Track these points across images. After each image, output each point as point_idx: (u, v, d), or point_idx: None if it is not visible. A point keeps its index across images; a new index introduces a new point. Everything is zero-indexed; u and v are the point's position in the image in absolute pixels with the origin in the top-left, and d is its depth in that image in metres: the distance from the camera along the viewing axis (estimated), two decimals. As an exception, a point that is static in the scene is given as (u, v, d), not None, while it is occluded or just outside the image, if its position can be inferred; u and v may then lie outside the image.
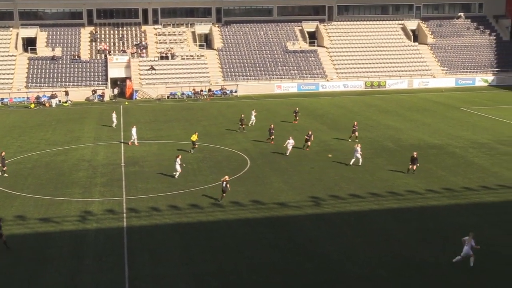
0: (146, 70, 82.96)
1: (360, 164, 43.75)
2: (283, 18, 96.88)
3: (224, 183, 35.82)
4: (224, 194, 36.03)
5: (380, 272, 26.65)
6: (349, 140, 51.28)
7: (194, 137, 48.73)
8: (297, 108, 62.41)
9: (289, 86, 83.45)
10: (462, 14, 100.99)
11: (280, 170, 42.88)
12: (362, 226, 32.19)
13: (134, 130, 51.25)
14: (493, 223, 32.47)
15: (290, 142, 47.09)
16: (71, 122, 62.58)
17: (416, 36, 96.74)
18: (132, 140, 51.03)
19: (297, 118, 60.78)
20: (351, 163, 43.93)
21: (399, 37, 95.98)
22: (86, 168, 44.25)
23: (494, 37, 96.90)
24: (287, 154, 46.70)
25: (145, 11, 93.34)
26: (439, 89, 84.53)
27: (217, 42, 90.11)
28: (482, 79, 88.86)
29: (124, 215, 34.07)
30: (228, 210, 34.69)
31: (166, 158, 46.49)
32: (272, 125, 52.41)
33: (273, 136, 51.27)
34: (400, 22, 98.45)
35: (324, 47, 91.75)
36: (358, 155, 43.83)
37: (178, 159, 41.14)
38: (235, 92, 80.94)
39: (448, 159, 45.37)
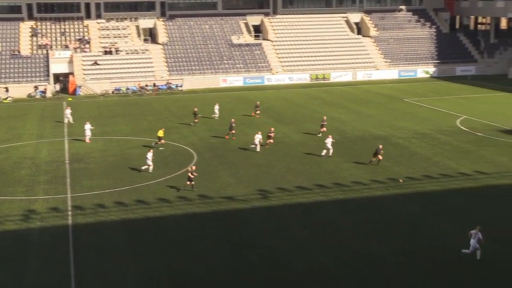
0: (90, 65, 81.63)
1: (330, 155, 44.39)
2: (228, 12, 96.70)
3: (190, 173, 36.45)
4: (192, 182, 36.57)
5: (328, 264, 26.98)
6: (319, 135, 51.29)
7: (160, 133, 48.10)
8: (258, 102, 62.41)
9: (235, 80, 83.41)
10: (403, 7, 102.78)
11: (228, 164, 42.88)
12: (309, 218, 32.50)
13: (87, 126, 50.30)
14: (436, 212, 33.26)
15: (258, 137, 46.73)
16: (12, 119, 61.08)
17: (359, 29, 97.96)
18: (86, 137, 50.05)
19: (258, 112, 60.73)
20: (322, 154, 44.47)
21: (343, 30, 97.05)
22: (29, 166, 43.30)
23: (435, 30, 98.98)
24: (258, 150, 46.32)
25: (87, 5, 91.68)
26: (382, 81, 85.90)
27: (162, 37, 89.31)
28: (424, 70, 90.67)
29: (69, 213, 33.52)
30: (175, 205, 34.52)
31: (111, 154, 45.91)
32: (233, 120, 51.82)
33: (234, 131, 50.63)
34: (343, 15, 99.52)
35: (269, 40, 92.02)
36: (329, 146, 44.45)
37: (149, 154, 40.95)
38: (181, 86, 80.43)
39: (392, 150, 46.19)
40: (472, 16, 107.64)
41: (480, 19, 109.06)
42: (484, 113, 60.36)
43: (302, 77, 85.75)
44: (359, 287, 24.94)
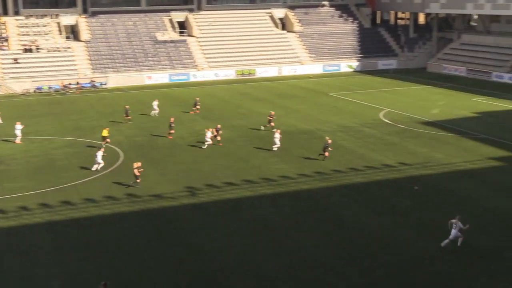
0: (9, 63, 79.10)
1: (276, 149, 44.86)
2: (151, 8, 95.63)
3: (136, 170, 36.49)
4: (138, 180, 36.59)
5: (257, 258, 27.17)
6: (262, 128, 51.74)
7: (105, 132, 46.92)
8: (198, 99, 61.92)
9: (160, 77, 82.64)
10: (326, 2, 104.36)
11: (155, 162, 42.50)
12: (237, 214, 32.63)
13: (18, 127, 48.63)
14: (362, 203, 34.02)
15: (209, 134, 46.51)
16: None
17: (283, 24, 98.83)
18: (17, 137, 48.41)
19: (198, 107, 60.18)
20: (274, 149, 44.92)
21: (268, 26, 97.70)
22: None
23: (357, 25, 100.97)
24: (204, 147, 46.11)
25: (4, 1, 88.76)
26: (307, 76, 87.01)
27: (85, 34, 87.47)
28: (347, 65, 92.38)
29: (-9, 216, 32.45)
30: (102, 205, 33.96)
31: (34, 155, 44.70)
32: (172, 119, 50.87)
33: (173, 131, 49.79)
34: (268, 11, 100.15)
35: (194, 36, 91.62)
36: (277, 141, 44.76)
37: (100, 152, 40.45)
38: (105, 84, 79.04)
39: (318, 144, 46.81)
40: (392, 12, 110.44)
41: (399, 14, 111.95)
42: (406, 106, 62.08)
43: (228, 73, 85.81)
44: (289, 280, 25.24)
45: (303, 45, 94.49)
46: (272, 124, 51.47)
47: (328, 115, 58.13)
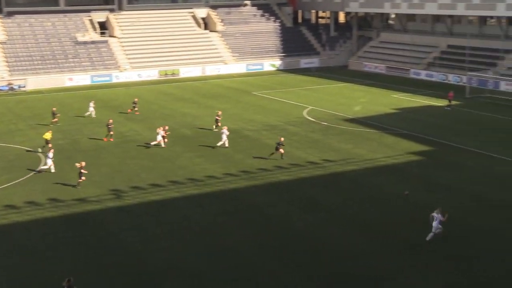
0: None
1: (226, 145, 45.03)
2: (70, 8, 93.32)
3: (80, 169, 36.15)
4: (81, 179, 36.34)
5: (185, 259, 27.02)
6: (215, 129, 51.16)
7: (47, 135, 45.30)
8: (136, 99, 60.95)
9: (81, 79, 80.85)
10: (248, 2, 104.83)
11: (78, 165, 41.55)
12: (164, 215, 32.36)
13: None
14: (288, 200, 34.36)
15: (161, 133, 46.25)
16: None
17: (206, 24, 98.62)
18: None
19: (136, 108, 59.36)
20: (218, 145, 45.19)
21: (190, 26, 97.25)
22: None
23: (279, 24, 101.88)
24: (163, 145, 46.12)
25: None
26: (231, 75, 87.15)
27: (0, 35, 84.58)
28: (271, 64, 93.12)
29: None
30: (24, 211, 32.95)
31: (-51, 162, 42.92)
32: (110, 120, 49.50)
33: (112, 132, 48.69)
34: (190, 10, 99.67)
35: (115, 37, 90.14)
36: (225, 137, 45.07)
37: (50, 153, 39.77)
38: (24, 87, 76.69)
39: (243, 143, 47.05)
40: (313, 11, 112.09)
41: (320, 13, 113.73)
42: (328, 103, 63.14)
43: (151, 74, 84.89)
44: (215, 280, 25.22)
45: (226, 45, 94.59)
46: (219, 124, 51.43)
47: (252, 114, 58.42)
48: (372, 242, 28.55)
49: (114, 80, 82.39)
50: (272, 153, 42.41)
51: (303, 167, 40.76)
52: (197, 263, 26.63)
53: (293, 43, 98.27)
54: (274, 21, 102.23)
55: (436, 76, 78.85)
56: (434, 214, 28.48)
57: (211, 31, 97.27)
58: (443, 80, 77.64)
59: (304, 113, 58.46)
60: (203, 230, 30.34)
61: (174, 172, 39.80)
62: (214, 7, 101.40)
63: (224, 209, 33.18)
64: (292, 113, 58.23)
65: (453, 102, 60.74)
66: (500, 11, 73.41)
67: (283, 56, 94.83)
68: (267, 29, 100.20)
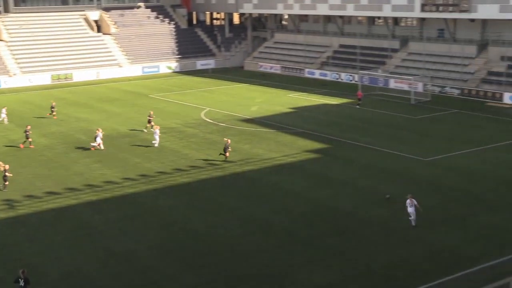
0: None
1: (156, 145, 45.58)
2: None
3: (5, 172, 35.26)
4: (6, 183, 35.46)
5: (86, 268, 26.44)
6: (145, 130, 51.10)
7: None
8: (54, 103, 59.01)
9: (-32, 85, 77.29)
10: (142, 4, 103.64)
11: (-34, 176, 39.71)
12: (61, 223, 31.50)
13: None
14: (189, 203, 34.34)
15: (100, 135, 45.68)
16: None
17: (99, 27, 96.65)
18: None
19: (54, 113, 57.71)
20: (155, 145, 45.71)
21: (83, 28, 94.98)
22: None
23: (174, 26, 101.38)
24: (102, 148, 45.46)
25: None
26: (127, 78, 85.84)
27: None
28: (167, 66, 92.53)
29: None
30: None
31: None
32: (28, 127, 47.54)
33: (30, 139, 46.77)
34: (82, 13, 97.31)
35: (3, 41, 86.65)
36: (157, 137, 45.49)
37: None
38: None
39: (141, 146, 46.51)
40: (208, 12, 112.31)
41: (215, 15, 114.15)
42: (226, 104, 63.52)
43: (43, 78, 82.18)
44: (118, 286, 24.85)
45: (120, 48, 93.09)
46: (152, 123, 51.07)
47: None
48: (272, 240, 29.03)
49: (3, 86, 79.12)
50: (221, 154, 42.57)
51: (202, 168, 40.83)
52: (98, 270, 26.11)
53: (188, 44, 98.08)
54: (169, 23, 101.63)
55: (330, 75, 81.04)
56: (408, 201, 30.00)
57: (104, 33, 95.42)
58: (336, 79, 79.93)
59: (202, 114, 58.54)
60: (103, 237, 29.78)
61: (71, 179, 38.80)
62: (106, 9, 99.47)
63: (124, 214, 32.71)
64: (190, 115, 58.15)
65: (347, 100, 62.63)
66: (387, 11, 76.46)
67: (179, 58, 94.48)
68: (162, 31, 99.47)
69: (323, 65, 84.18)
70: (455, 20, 72.79)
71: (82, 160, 43.16)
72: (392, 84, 71.87)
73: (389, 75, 72.54)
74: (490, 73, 66.55)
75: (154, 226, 31.02)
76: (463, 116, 56.23)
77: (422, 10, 71.60)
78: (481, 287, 19.51)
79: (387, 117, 56.12)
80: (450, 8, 68.64)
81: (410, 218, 30.11)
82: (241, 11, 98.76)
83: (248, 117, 57.00)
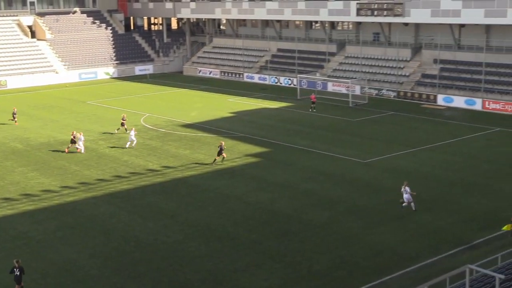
0: None
1: (134, 146, 46.37)
2: None
3: None
4: None
5: (26, 279, 25.82)
6: (116, 131, 52.04)
7: None
8: (15, 109, 58.01)
9: None
10: (77, 9, 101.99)
11: None
12: (-2, 234, 30.71)
13: None
14: (129, 210, 33.98)
15: (82, 138, 45.82)
16: None
17: (33, 32, 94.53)
18: None
19: (15, 119, 57.11)
20: (127, 146, 46.26)
21: (16, 34, 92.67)
22: None
23: (111, 31, 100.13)
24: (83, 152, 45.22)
25: None
26: (63, 85, 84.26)
27: None
28: (105, 72, 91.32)
29: None
30: None
31: None
32: None
33: None
34: (15, 18, 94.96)
35: None
36: (133, 138, 46.13)
37: None
38: None
39: (80, 154, 45.67)
40: (145, 17, 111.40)
41: (153, 20, 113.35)
42: (165, 110, 63.15)
43: (-25, 86, 79.94)
44: (59, 297, 24.43)
45: (56, 53, 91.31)
46: (125, 126, 51.56)
47: (87, 123, 56.96)
48: (214, 245, 29.03)
49: None
50: (215, 160, 42.41)
51: (143, 175, 40.48)
52: (37, 282, 25.55)
53: (126, 50, 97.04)
54: (106, 28, 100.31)
55: (269, 79, 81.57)
56: (403, 189, 32.36)
57: (39, 39, 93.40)
58: (275, 83, 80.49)
59: (141, 120, 58.02)
60: (42, 247, 29.16)
61: (6, 189, 37.83)
62: (41, 14, 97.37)
63: (63, 223, 32.10)
64: (129, 121, 57.43)
65: (286, 104, 63.18)
66: (324, 16, 77.53)
67: (117, 63, 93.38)
68: (99, 36, 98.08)
69: (262, 69, 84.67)
70: (389, 24, 74.47)
71: (18, 169, 42.14)
72: (330, 87, 72.89)
73: (327, 78, 73.58)
74: (424, 75, 68.33)
75: (94, 234, 30.57)
76: (399, 118, 57.55)
77: (358, 14, 72.94)
78: (420, 285, 19.99)
79: (326, 120, 56.90)
80: (385, 13, 70.20)
81: (403, 204, 32.35)
82: (179, 16, 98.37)
83: (188, 122, 56.82)
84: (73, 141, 46.56)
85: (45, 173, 41.14)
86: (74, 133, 47.32)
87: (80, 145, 45.76)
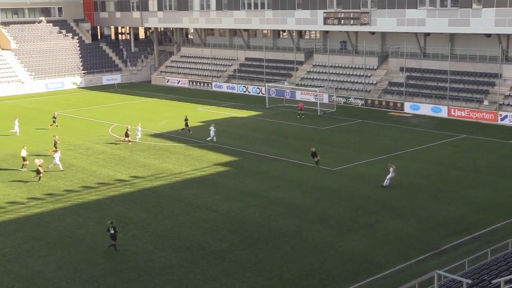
0: None
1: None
2: None
3: None
4: None
5: (-11, 292, 25.42)
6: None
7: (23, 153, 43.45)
8: (56, 113, 59.22)
9: None
10: (43, 18, 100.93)
11: None
12: (-37, 248, 30.11)
13: None
14: (98, 220, 33.60)
15: (58, 155, 44.22)
16: None
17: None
18: None
19: (56, 122, 58.66)
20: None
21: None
22: None
23: (77, 41, 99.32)
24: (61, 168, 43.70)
25: None
26: (29, 95, 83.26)
27: None
28: (72, 82, 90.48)
29: None
30: None
31: None
32: None
33: None
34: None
35: None
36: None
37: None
38: None
39: (46, 164, 45.04)
40: (113, 26, 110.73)
41: (120, 29, 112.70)
42: (133, 119, 62.60)
43: None
44: (27, 310, 24.01)
45: (22, 63, 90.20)
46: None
47: (54, 134, 56.20)
48: (184, 255, 28.87)
49: None
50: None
51: (111, 185, 40.12)
52: (3, 296, 25.12)
53: (93, 59, 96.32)
54: (72, 38, 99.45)
55: (237, 88, 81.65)
56: (390, 168, 38.25)
57: (3, 49, 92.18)
58: (244, 91, 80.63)
59: (109, 130, 57.54)
60: (9, 260, 28.65)
61: (-29, 201, 37.18)
62: (5, 23, 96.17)
63: (30, 235, 31.62)
64: (97, 131, 57.05)
65: (255, 113, 63.20)
66: (291, 25, 77.99)
67: (84, 73, 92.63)
68: (66, 46, 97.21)
69: (230, 78, 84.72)
70: (356, 33, 75.19)
71: (-16, 181, 41.46)
72: (299, 96, 73.22)
73: (295, 87, 73.90)
74: (391, 83, 69.08)
75: (62, 246, 30.17)
76: (368, 125, 58.03)
77: (325, 23, 73.54)
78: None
79: (295, 129, 57.12)
80: (351, 22, 70.90)
81: (386, 179, 37.93)
82: (147, 25, 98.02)
83: (156, 131, 56.53)
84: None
85: (11, 184, 40.52)
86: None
87: (56, 161, 44.27)
